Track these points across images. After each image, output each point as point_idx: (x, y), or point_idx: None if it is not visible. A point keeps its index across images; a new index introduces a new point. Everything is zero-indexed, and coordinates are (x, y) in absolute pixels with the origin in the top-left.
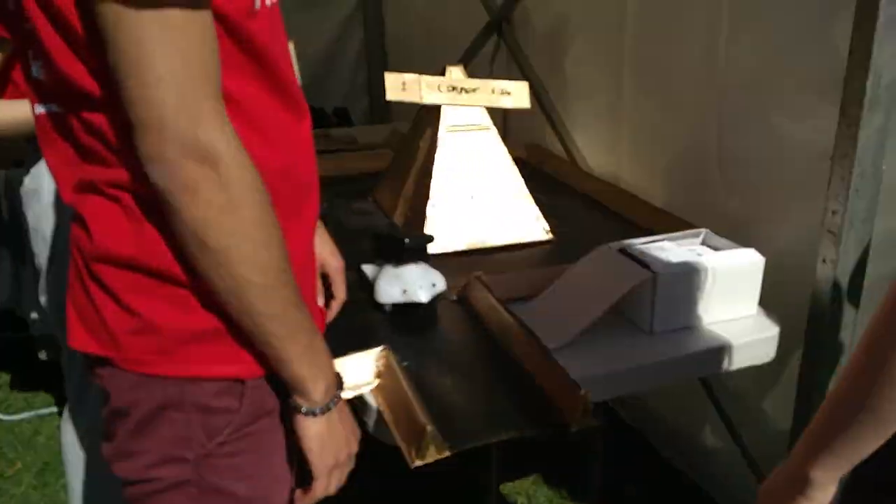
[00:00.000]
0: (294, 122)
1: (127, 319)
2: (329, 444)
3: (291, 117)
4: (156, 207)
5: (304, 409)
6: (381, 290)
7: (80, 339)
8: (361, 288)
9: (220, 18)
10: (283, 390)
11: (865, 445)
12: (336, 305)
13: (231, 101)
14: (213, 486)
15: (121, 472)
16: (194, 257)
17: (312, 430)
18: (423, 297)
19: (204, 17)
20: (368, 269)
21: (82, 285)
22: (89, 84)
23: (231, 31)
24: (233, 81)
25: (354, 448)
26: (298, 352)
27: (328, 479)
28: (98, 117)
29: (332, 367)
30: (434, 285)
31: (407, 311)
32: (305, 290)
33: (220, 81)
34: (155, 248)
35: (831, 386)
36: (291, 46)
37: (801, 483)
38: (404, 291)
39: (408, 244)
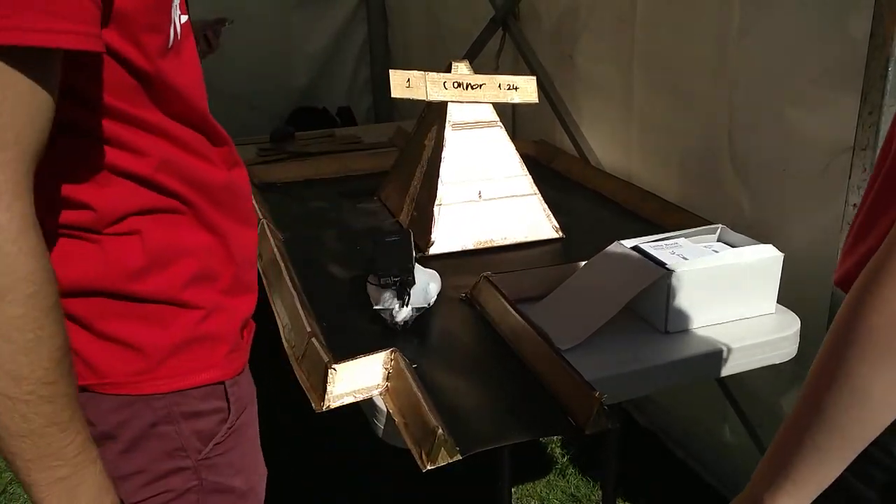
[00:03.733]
0: (218, 149)
1: (104, 346)
2: None
3: (214, 147)
4: (112, 228)
5: None
6: (432, 290)
7: None
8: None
9: (129, 64)
10: (251, 385)
11: (831, 471)
12: None
13: (159, 134)
14: (216, 485)
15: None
16: None
17: None
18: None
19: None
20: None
21: None
22: None
23: (142, 74)
24: (154, 115)
25: None
26: (50, 482)
27: None
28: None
29: None
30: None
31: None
32: (247, 277)
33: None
34: (119, 271)
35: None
36: None
37: None
38: (429, 284)
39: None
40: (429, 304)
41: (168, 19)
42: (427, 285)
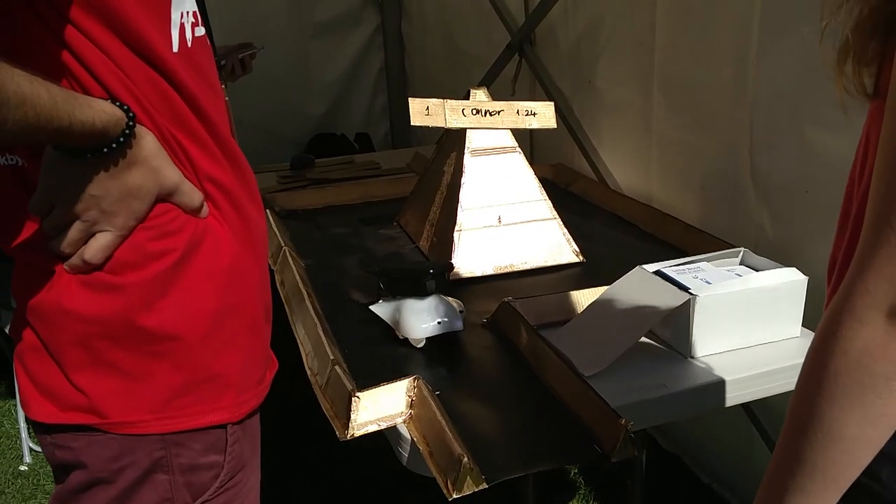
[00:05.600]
0: (235, 178)
1: (111, 382)
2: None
3: (232, 173)
4: (135, 262)
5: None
6: (412, 326)
7: (44, 412)
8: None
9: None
10: (255, 440)
11: None
12: None
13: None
14: None
15: None
16: None
17: None
18: (460, 324)
19: None
20: (380, 308)
21: (46, 353)
22: None
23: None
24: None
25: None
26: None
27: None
28: None
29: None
30: (461, 311)
31: (437, 340)
32: (257, 313)
33: None
34: (137, 306)
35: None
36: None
37: None
38: (439, 322)
39: (433, 273)
40: (402, 335)
41: (167, 14)
42: (399, 314)
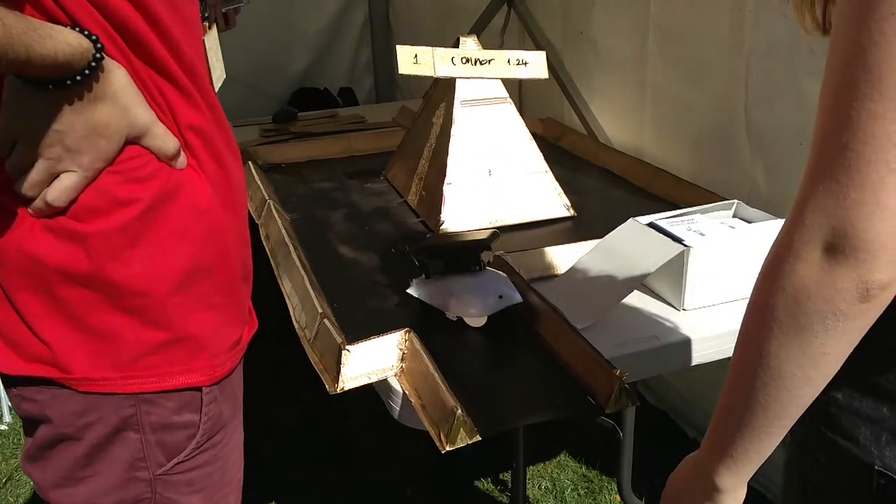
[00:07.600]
0: (216, 127)
1: (75, 336)
2: None
3: (213, 121)
4: (101, 207)
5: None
6: (473, 304)
7: (7, 363)
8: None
9: None
10: (235, 399)
11: (762, 447)
12: None
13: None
14: (169, 501)
15: (64, 499)
16: None
17: None
18: (518, 296)
19: None
20: (418, 290)
21: (7, 300)
22: None
23: None
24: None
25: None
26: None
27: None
28: None
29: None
30: (512, 281)
31: (497, 317)
32: (233, 272)
33: None
34: (102, 256)
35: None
36: (215, 40)
37: (708, 490)
38: (500, 297)
39: (484, 246)
40: (452, 316)
41: None
42: (449, 293)
